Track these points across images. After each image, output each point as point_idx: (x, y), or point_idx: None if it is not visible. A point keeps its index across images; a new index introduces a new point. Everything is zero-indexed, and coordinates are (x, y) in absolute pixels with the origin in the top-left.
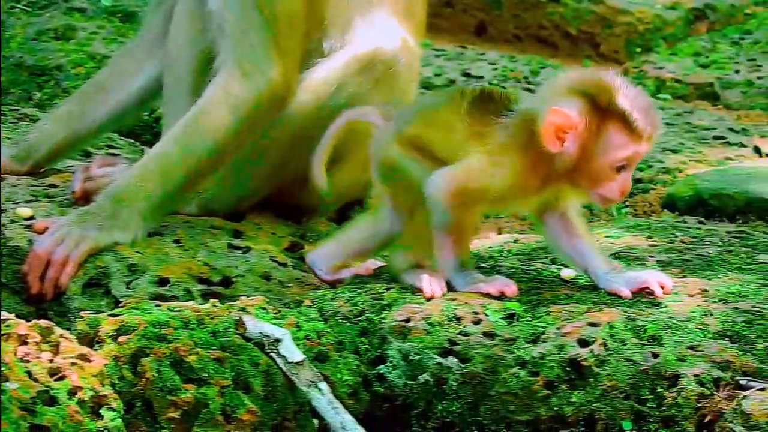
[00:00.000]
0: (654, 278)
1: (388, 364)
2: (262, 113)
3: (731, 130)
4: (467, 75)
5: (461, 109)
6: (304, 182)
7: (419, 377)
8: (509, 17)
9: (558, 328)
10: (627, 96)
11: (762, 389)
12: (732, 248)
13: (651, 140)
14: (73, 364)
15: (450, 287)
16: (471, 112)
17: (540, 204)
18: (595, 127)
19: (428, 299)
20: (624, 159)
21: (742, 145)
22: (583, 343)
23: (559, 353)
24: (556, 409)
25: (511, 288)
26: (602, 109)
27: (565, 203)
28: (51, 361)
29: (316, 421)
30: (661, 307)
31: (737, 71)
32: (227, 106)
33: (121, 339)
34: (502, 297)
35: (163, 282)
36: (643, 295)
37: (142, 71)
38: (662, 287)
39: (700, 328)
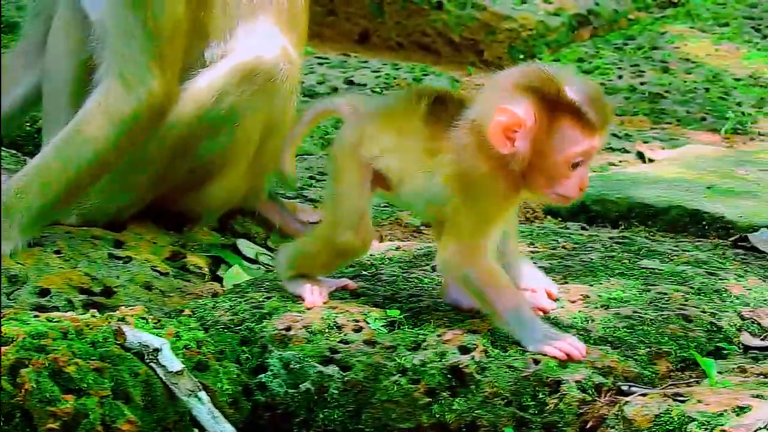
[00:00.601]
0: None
1: (269, 372)
2: (142, 125)
3: (614, 135)
4: (351, 83)
5: (418, 115)
6: (185, 191)
7: (300, 386)
8: (392, 25)
9: (439, 336)
10: (575, 88)
11: (643, 395)
12: (614, 254)
13: (605, 132)
14: None
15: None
16: (427, 120)
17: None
18: (545, 123)
19: (308, 308)
20: (579, 154)
21: (625, 151)
22: (464, 350)
23: (440, 360)
24: (437, 416)
25: (580, 352)
26: (551, 104)
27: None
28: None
29: (196, 431)
30: (543, 313)
31: (620, 77)
32: (107, 118)
33: None
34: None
35: (44, 293)
36: None
37: (20, 81)
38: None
39: (581, 334)
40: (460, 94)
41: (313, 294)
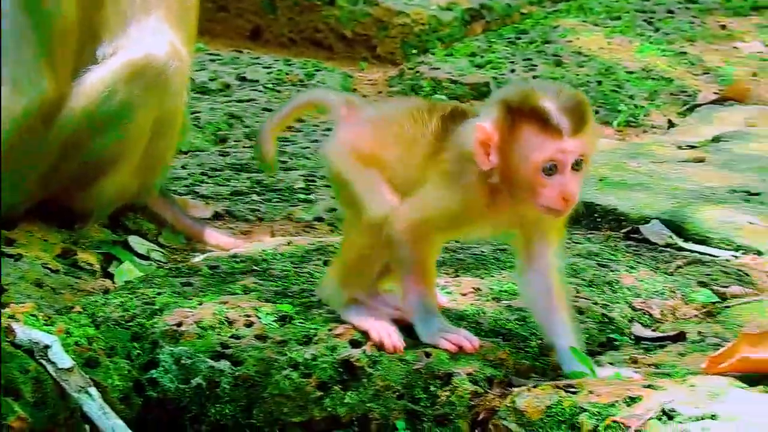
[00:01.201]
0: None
1: (160, 368)
2: (33, 124)
3: None
4: (243, 79)
5: (428, 128)
6: (76, 188)
7: (192, 381)
8: (284, 21)
9: (330, 330)
10: (542, 95)
11: (535, 386)
12: (505, 247)
13: (579, 135)
14: None
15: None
16: (437, 134)
17: (515, 240)
18: (511, 133)
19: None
20: (546, 159)
21: None
22: (356, 344)
23: (331, 354)
24: (329, 410)
25: (472, 344)
26: (517, 113)
27: (540, 250)
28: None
29: (87, 427)
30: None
31: (513, 71)
32: None
33: None
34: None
35: None
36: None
37: None
38: None
39: (473, 327)
40: (473, 111)
41: (388, 337)
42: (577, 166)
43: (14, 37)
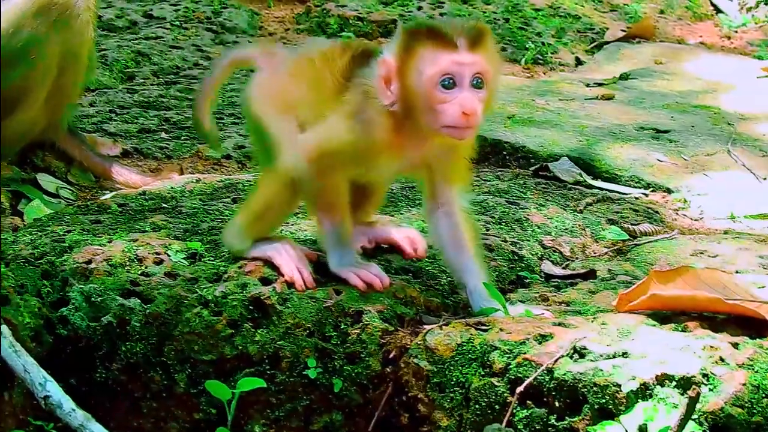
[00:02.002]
0: None
1: (71, 306)
2: None
3: None
4: (150, 17)
5: (336, 66)
6: None
7: (102, 319)
8: None
9: (240, 268)
10: (440, 20)
11: (446, 324)
12: (414, 185)
13: (475, 51)
14: None
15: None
16: (345, 72)
17: (421, 181)
18: (409, 57)
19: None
20: (442, 71)
21: None
22: (266, 281)
23: (241, 292)
24: (240, 348)
25: (382, 282)
26: (413, 36)
27: (446, 190)
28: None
29: None
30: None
31: (420, 8)
32: None
33: None
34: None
35: None
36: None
37: None
38: None
39: (382, 264)
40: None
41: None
42: (477, 84)
43: None
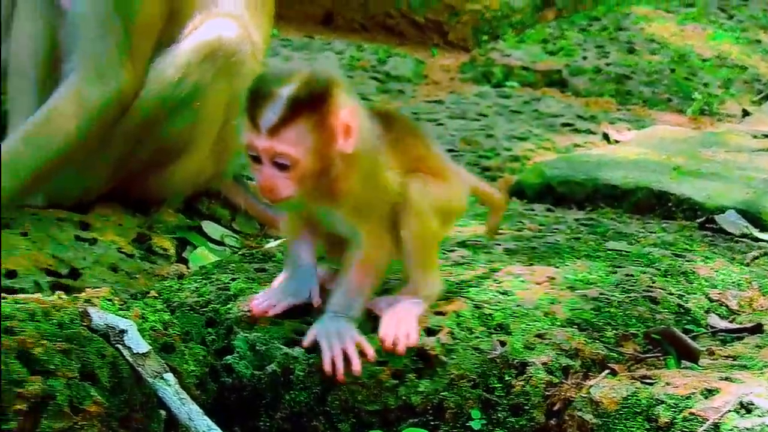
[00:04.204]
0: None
1: (235, 354)
2: (112, 114)
3: (579, 117)
4: None
5: None
6: (150, 173)
7: (266, 367)
8: (356, 6)
9: None
10: (267, 82)
11: (611, 377)
12: (580, 235)
13: (274, 134)
14: None
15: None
16: None
17: None
18: None
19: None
20: (246, 148)
21: (591, 132)
22: (430, 332)
23: None
24: (404, 398)
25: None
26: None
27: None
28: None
29: (163, 412)
30: (509, 296)
31: (585, 58)
32: (78, 108)
33: None
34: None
35: (10, 274)
36: (490, 284)
37: None
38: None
39: (547, 316)
40: None
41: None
42: (279, 164)
43: (98, 28)
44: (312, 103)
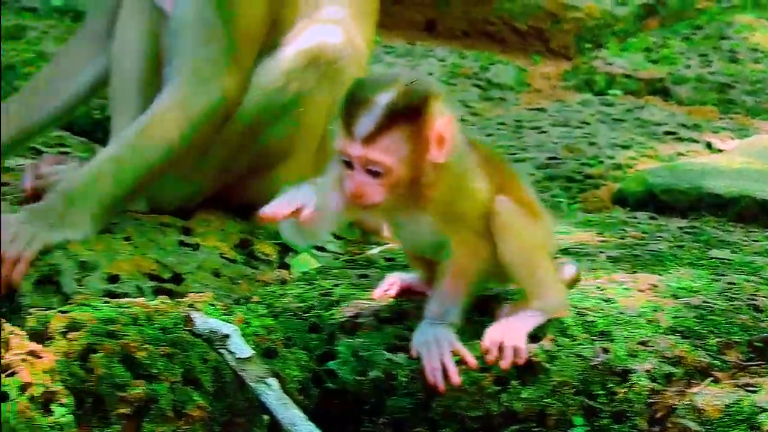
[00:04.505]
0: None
1: (338, 360)
2: (216, 120)
3: (682, 125)
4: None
5: None
6: (252, 178)
7: (369, 373)
8: (458, 13)
9: None
10: (364, 91)
11: (714, 384)
12: (683, 243)
13: (368, 143)
14: (24, 360)
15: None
16: None
17: None
18: None
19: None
20: (339, 152)
21: (694, 141)
22: (533, 338)
23: None
24: (506, 405)
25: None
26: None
27: None
28: (1, 357)
29: (266, 417)
30: (611, 303)
31: (688, 66)
32: (181, 114)
33: (71, 335)
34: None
35: (113, 279)
36: (593, 291)
37: (87, 67)
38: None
39: (650, 324)
40: None
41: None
42: (372, 171)
43: (202, 34)
44: (408, 113)
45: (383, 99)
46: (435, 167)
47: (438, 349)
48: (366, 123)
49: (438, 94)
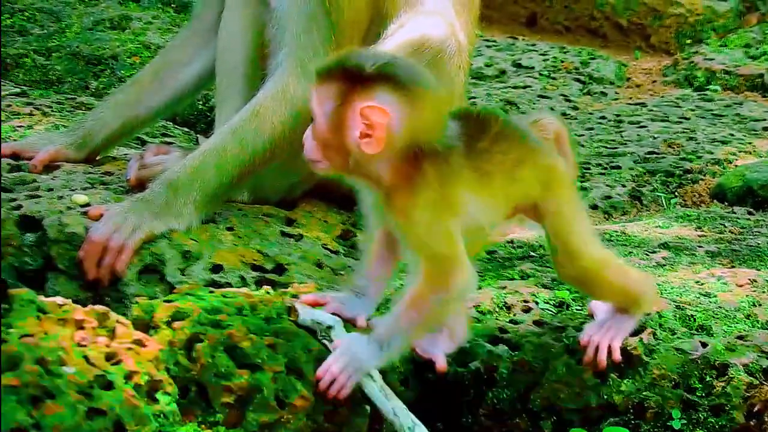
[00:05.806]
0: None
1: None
2: None
3: None
4: (518, 66)
5: None
6: None
7: (470, 365)
8: (560, 8)
9: None
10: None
11: None
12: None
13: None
14: (129, 349)
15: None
16: None
17: None
18: None
19: None
20: None
21: None
22: (633, 332)
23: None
24: (605, 397)
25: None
26: None
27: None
28: (107, 346)
29: (368, 408)
30: (710, 297)
31: None
32: (285, 105)
33: (175, 325)
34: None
35: (216, 269)
36: (692, 285)
37: (194, 60)
38: None
39: (748, 318)
40: None
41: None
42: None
43: (305, 24)
44: (347, 76)
45: (351, 58)
46: (369, 159)
47: (347, 370)
48: (323, 69)
49: (401, 86)
